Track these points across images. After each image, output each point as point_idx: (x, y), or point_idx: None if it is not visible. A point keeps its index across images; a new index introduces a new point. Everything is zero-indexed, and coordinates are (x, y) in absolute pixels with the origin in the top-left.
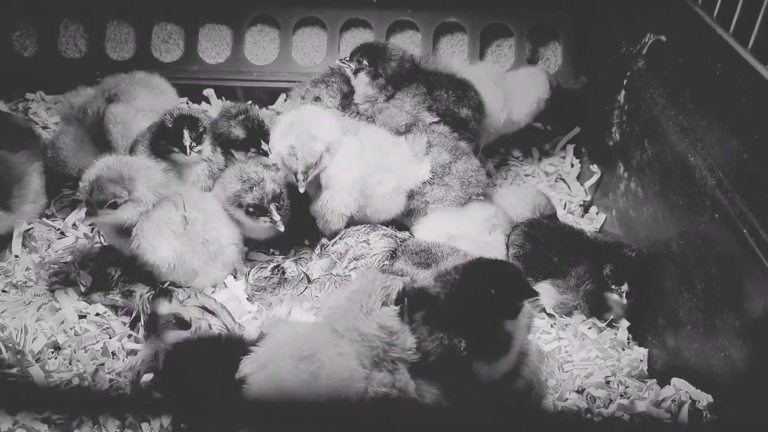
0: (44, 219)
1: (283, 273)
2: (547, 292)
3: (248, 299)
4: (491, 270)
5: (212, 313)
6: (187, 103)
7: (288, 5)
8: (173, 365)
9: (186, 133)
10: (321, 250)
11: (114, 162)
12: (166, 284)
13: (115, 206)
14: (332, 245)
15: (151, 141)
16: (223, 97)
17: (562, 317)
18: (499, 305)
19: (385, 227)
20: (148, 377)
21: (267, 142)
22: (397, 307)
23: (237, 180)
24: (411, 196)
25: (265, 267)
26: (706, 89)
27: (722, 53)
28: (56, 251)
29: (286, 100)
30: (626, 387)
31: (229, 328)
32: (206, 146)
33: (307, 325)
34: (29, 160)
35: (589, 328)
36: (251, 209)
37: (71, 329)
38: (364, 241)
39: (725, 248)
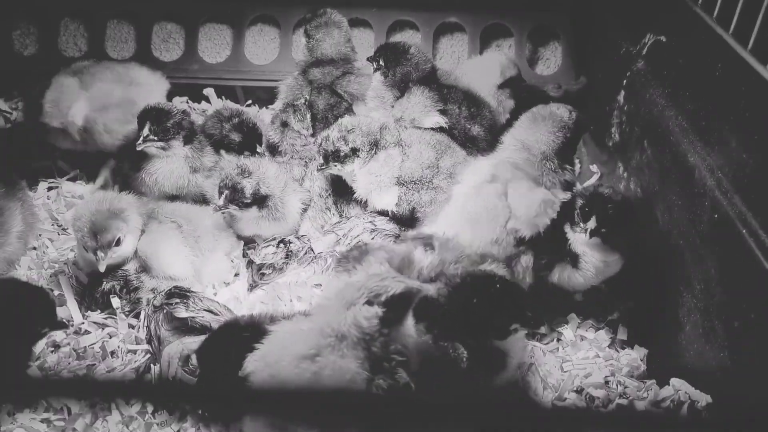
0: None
1: (288, 246)
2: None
3: (252, 285)
4: (486, 288)
5: (216, 314)
6: (187, 102)
7: (288, 5)
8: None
9: (147, 126)
10: (328, 227)
11: (97, 203)
12: (171, 288)
13: (119, 243)
14: (338, 224)
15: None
16: (223, 97)
17: (559, 323)
18: (487, 325)
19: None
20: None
21: (261, 144)
22: (382, 310)
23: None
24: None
25: (270, 244)
26: (705, 90)
27: (722, 53)
28: (57, 249)
29: None
30: (625, 387)
31: None
32: (176, 142)
33: (309, 323)
34: (7, 196)
35: (589, 327)
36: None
37: (71, 327)
38: (370, 221)
39: (724, 249)
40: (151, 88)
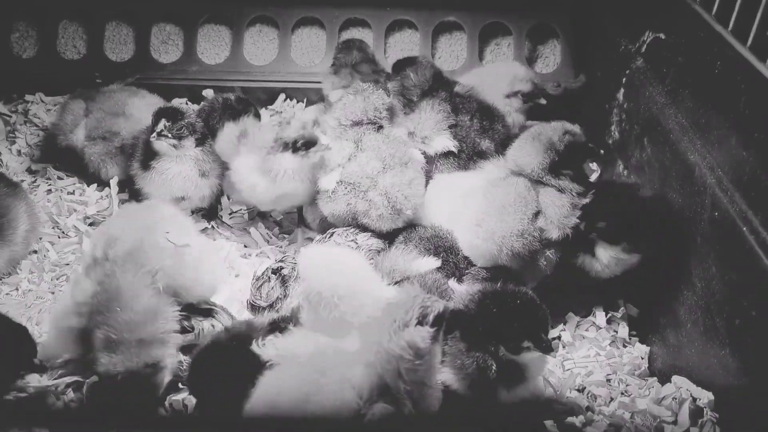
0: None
1: (280, 273)
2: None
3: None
4: (508, 301)
5: (213, 317)
6: (187, 103)
7: (287, 5)
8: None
9: (162, 122)
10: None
11: (134, 325)
12: None
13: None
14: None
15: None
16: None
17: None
18: (500, 336)
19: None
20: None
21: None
22: (432, 330)
23: None
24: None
25: (262, 281)
26: (705, 87)
27: (721, 51)
28: (58, 252)
29: (285, 100)
30: (627, 385)
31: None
32: (188, 142)
33: (358, 344)
34: (12, 195)
35: (590, 326)
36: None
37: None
38: (352, 240)
39: (725, 247)
40: (138, 121)
